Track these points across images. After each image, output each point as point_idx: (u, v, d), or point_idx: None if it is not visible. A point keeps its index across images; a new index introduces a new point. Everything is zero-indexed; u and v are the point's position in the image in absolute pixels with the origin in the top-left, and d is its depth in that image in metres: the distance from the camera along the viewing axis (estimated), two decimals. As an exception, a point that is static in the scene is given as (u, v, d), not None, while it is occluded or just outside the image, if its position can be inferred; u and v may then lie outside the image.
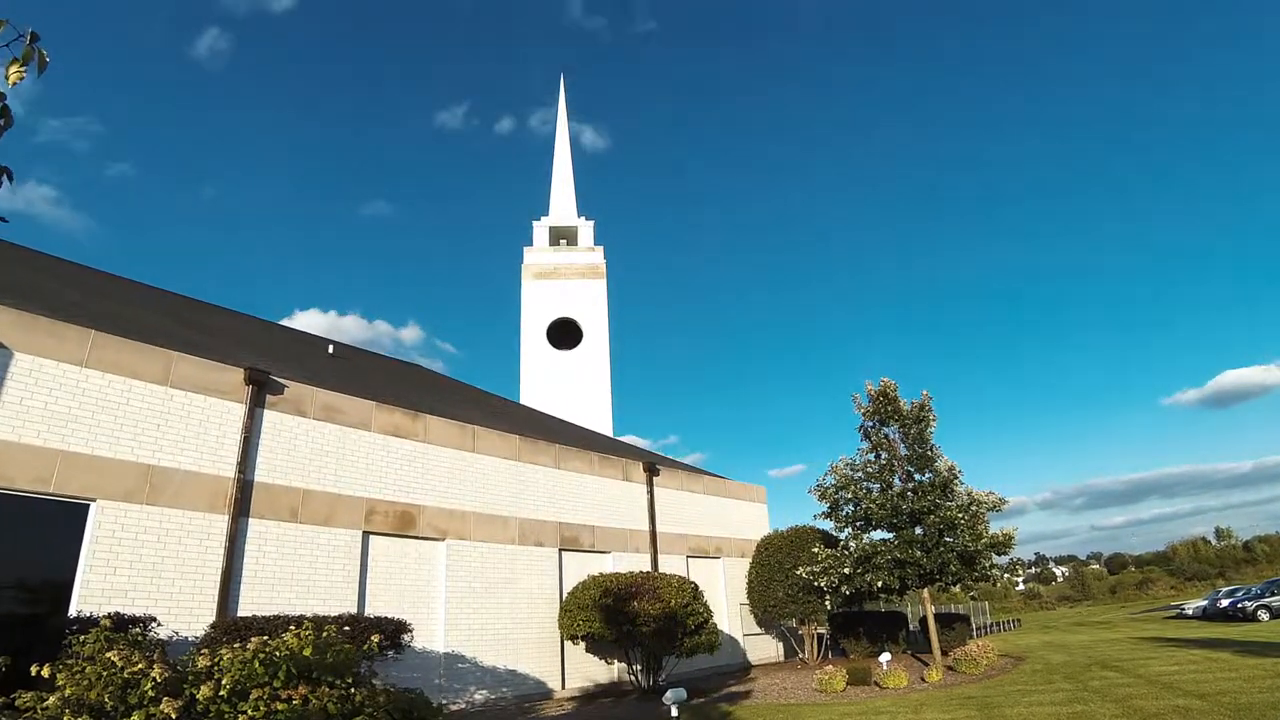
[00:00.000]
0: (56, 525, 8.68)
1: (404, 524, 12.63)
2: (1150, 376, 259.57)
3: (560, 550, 15.58)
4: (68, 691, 4.82)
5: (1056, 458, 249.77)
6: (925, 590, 15.29)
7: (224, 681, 4.94)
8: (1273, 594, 29.33)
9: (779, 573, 18.79)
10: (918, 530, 14.86)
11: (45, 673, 5.05)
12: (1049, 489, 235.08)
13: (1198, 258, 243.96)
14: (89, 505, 8.94)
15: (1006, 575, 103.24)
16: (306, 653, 5.38)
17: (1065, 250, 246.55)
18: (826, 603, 16.89)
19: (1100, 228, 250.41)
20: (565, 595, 14.85)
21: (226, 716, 4.81)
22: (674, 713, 9.03)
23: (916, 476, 15.36)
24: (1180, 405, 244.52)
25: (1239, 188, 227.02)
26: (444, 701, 12.00)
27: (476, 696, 12.75)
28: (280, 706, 4.92)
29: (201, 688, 4.87)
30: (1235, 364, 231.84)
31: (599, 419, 34.15)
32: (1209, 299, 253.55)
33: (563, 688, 14.43)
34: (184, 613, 9.35)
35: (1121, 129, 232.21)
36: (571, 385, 35.67)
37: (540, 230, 40.41)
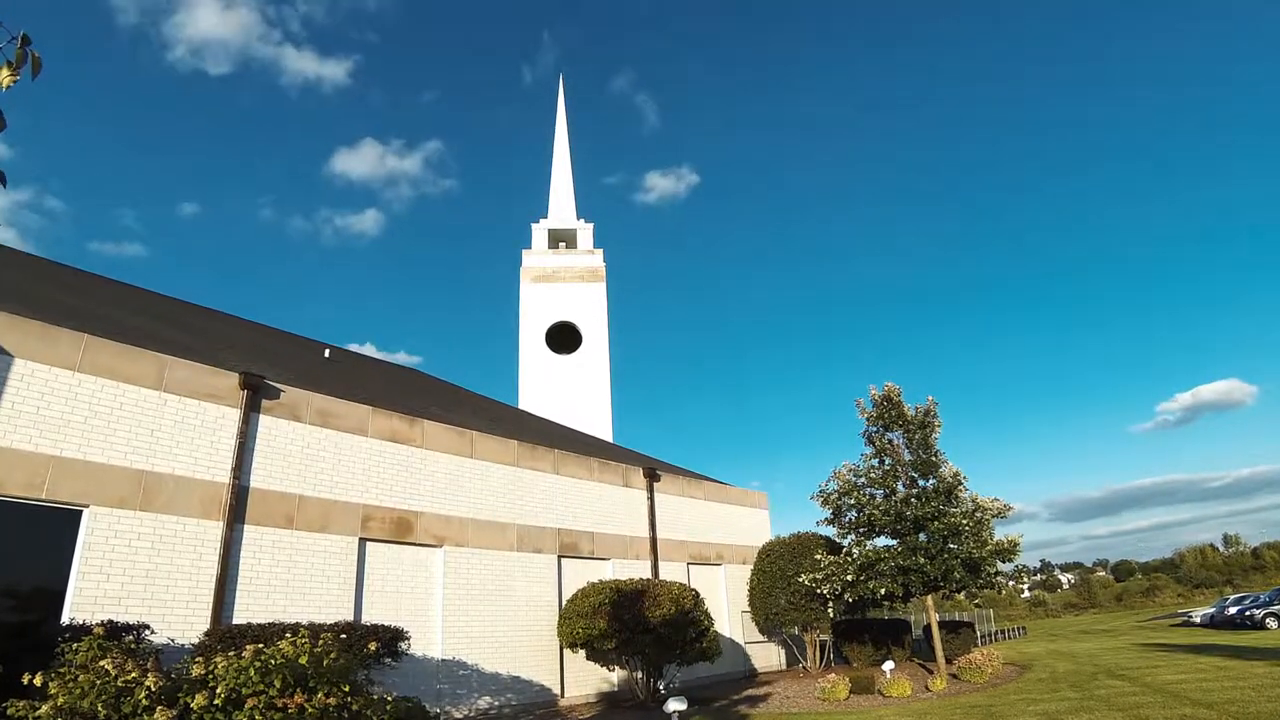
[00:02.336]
0: (49, 532, 8.55)
1: (401, 530, 12.50)
2: (1119, 392, 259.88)
3: (559, 557, 15.44)
4: (60, 700, 4.75)
5: (1026, 468, 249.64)
6: (929, 597, 15.18)
7: (219, 690, 4.86)
8: (1280, 601, 29.18)
9: (781, 580, 18.64)
10: (922, 537, 14.75)
11: (38, 681, 4.99)
12: (1025, 499, 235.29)
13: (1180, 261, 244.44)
14: (82, 511, 8.82)
15: (1011, 582, 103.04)
16: (303, 660, 5.29)
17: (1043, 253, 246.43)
18: (829, 610, 16.76)
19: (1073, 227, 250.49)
20: (564, 602, 14.70)
21: (220, 726, 4.72)
22: (676, 721, 8.91)
23: (920, 482, 15.26)
24: (1150, 420, 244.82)
25: (1234, 186, 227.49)
26: (446, 708, 11.88)
27: (480, 703, 12.60)
28: (276, 715, 4.83)
29: (196, 696, 4.79)
30: (1206, 379, 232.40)
31: (599, 424, 33.98)
32: (1186, 307, 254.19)
33: (563, 695, 14.27)
34: (178, 620, 9.22)
35: (1118, 134, 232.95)
36: (571, 390, 35.49)
37: (539, 233, 40.19)
